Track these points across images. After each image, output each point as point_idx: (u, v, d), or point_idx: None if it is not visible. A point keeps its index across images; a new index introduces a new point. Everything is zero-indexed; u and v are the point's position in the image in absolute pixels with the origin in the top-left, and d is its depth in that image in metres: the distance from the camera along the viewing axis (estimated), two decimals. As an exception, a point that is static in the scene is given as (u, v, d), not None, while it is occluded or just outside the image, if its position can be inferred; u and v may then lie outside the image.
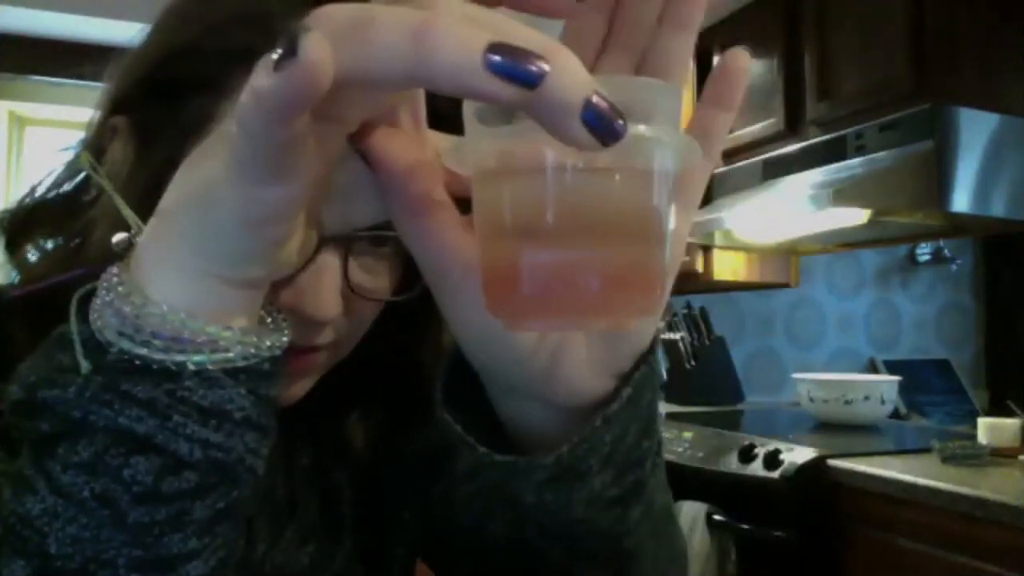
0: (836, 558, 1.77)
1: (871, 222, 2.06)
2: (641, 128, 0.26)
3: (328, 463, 0.56)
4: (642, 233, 0.28)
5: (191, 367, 0.28)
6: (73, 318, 0.29)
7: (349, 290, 0.43)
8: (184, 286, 0.29)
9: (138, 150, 0.46)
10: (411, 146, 0.31)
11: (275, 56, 0.23)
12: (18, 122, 3.32)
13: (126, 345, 0.28)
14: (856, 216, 2.03)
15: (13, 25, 2.76)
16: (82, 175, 0.50)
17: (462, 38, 0.22)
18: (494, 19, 0.23)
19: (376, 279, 0.46)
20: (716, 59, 2.38)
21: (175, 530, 0.29)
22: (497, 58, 0.22)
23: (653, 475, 0.39)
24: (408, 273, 0.47)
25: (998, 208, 1.98)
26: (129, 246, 0.31)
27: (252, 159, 0.26)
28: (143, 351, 0.28)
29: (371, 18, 0.23)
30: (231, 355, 0.29)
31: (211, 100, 0.44)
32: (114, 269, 0.30)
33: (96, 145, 0.48)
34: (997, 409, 2.57)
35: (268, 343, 0.31)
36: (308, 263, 0.41)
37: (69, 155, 0.51)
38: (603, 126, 0.23)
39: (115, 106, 0.48)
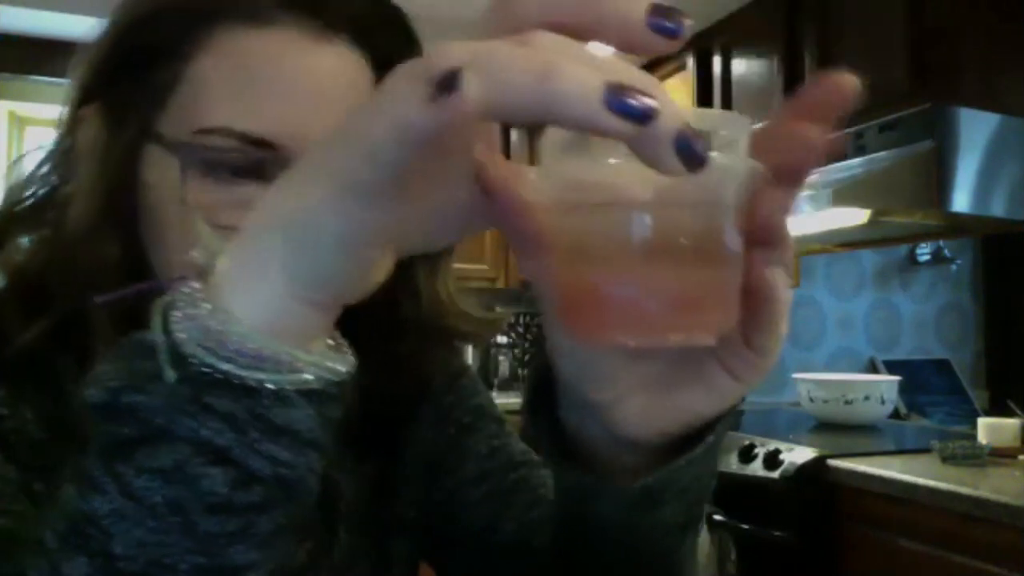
0: (836, 558, 1.77)
1: (871, 222, 2.06)
2: (713, 154, 0.27)
3: (330, 462, 0.57)
4: (713, 258, 0.30)
5: (270, 386, 0.29)
6: (158, 328, 0.30)
7: None
8: (269, 307, 0.30)
9: (109, 129, 0.47)
10: (521, 183, 0.32)
11: (429, 89, 0.24)
12: (18, 122, 3.32)
13: (210, 359, 0.29)
14: (856, 216, 2.03)
15: (13, 25, 2.76)
16: (52, 176, 0.51)
17: (583, 78, 0.24)
18: (605, 60, 0.25)
19: None
20: (716, 59, 2.35)
21: (240, 541, 0.30)
22: (615, 97, 0.24)
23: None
24: None
25: (998, 208, 1.98)
26: (208, 263, 0.31)
27: (372, 184, 0.27)
28: (227, 366, 0.29)
29: (499, 57, 0.25)
30: (307, 377, 0.30)
31: (175, 65, 0.45)
32: (195, 284, 0.30)
33: (69, 141, 0.49)
34: (997, 409, 2.57)
35: (340, 368, 0.32)
36: None
37: (41, 154, 0.52)
38: (692, 155, 0.25)
39: (82, 97, 0.49)
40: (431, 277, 0.57)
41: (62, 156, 0.51)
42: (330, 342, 0.33)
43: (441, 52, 0.25)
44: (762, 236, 0.32)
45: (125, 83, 0.47)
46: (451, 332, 0.59)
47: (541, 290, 0.34)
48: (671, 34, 0.27)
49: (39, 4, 2.61)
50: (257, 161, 0.45)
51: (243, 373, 0.29)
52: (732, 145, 0.29)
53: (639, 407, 0.36)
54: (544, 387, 0.41)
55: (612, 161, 0.29)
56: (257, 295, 0.30)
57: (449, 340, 0.60)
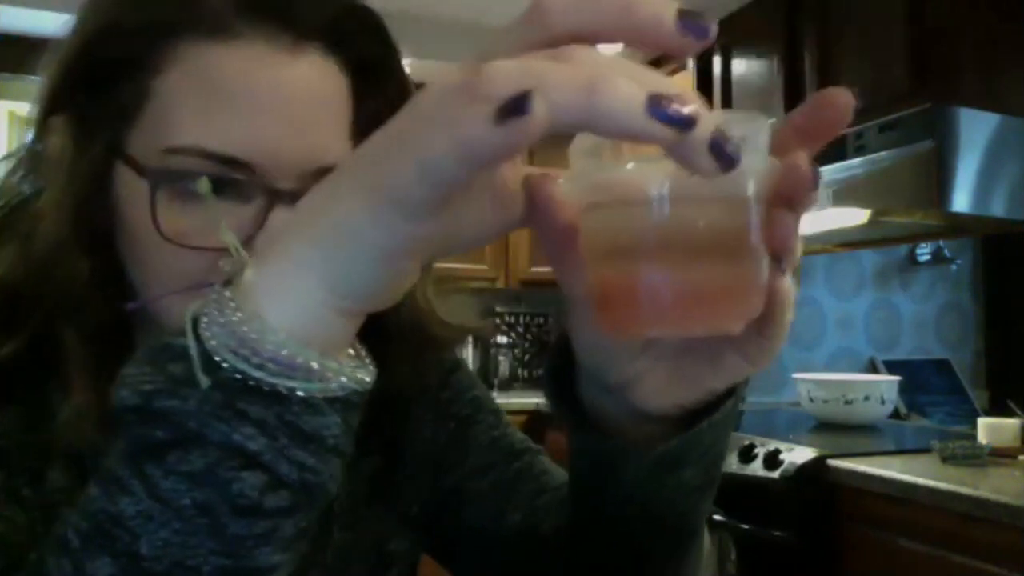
0: (836, 558, 1.77)
1: (871, 222, 2.06)
2: (752, 155, 0.30)
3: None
4: (737, 252, 0.32)
5: (300, 393, 0.30)
6: (190, 333, 0.30)
7: None
8: (301, 316, 0.30)
9: (77, 142, 0.46)
10: (554, 186, 0.34)
11: (494, 110, 0.25)
12: (18, 122, 3.32)
13: (242, 366, 0.30)
14: (856, 216, 2.03)
15: (13, 25, 2.76)
16: (24, 184, 0.50)
17: (628, 92, 0.26)
18: (642, 71, 0.27)
19: None
20: (716, 59, 2.36)
21: (266, 544, 0.31)
22: (658, 107, 0.26)
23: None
24: None
25: (998, 208, 1.98)
26: (238, 272, 0.32)
27: (423, 200, 0.28)
28: (259, 374, 0.30)
29: (554, 77, 0.26)
30: (334, 385, 0.31)
31: (141, 79, 0.45)
32: (226, 292, 0.31)
33: (39, 147, 0.49)
34: (997, 409, 2.57)
35: (365, 377, 0.33)
36: (260, 225, 0.45)
37: (12, 161, 0.52)
38: (725, 156, 0.27)
39: (49, 105, 0.48)
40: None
41: (33, 164, 0.50)
42: (352, 352, 0.34)
43: (499, 72, 0.26)
44: (774, 251, 0.34)
45: (92, 95, 0.47)
46: (430, 338, 0.59)
47: (569, 285, 0.36)
48: (702, 35, 0.28)
49: (39, 4, 2.61)
50: (229, 180, 0.45)
51: (275, 380, 0.30)
52: (752, 144, 0.31)
53: (657, 383, 0.39)
54: (564, 367, 0.43)
55: (633, 165, 0.31)
56: (290, 303, 0.31)
57: (428, 346, 0.60)
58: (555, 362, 0.44)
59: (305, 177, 0.46)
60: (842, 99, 0.33)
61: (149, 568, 0.30)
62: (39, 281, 0.47)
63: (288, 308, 0.30)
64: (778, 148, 0.33)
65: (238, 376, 0.30)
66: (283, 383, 0.30)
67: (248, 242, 0.43)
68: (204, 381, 0.30)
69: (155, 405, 0.30)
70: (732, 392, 0.41)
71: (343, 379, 0.32)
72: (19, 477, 0.47)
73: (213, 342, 0.30)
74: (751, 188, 0.32)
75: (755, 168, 0.32)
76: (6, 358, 0.46)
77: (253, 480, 0.30)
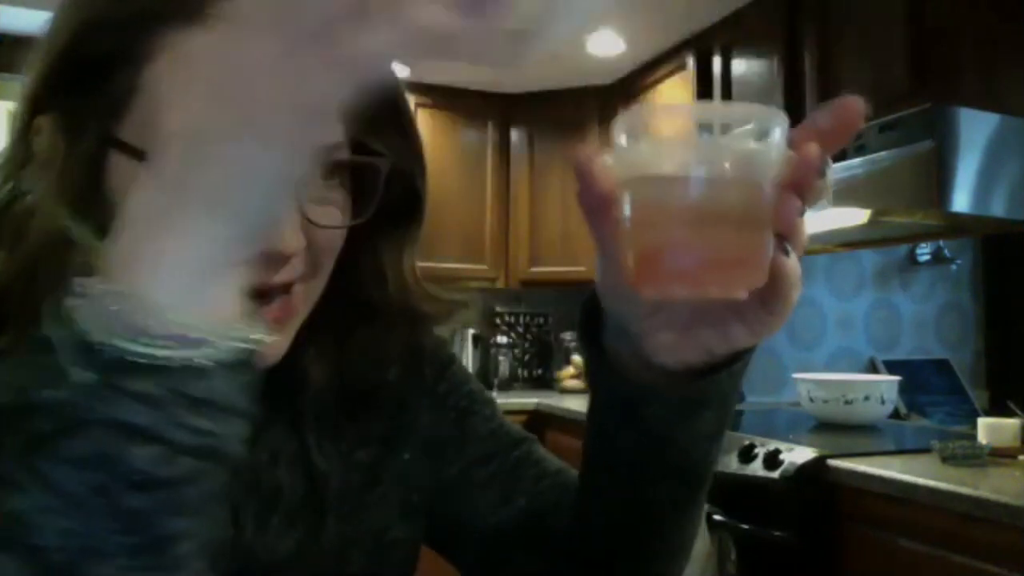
0: (836, 558, 1.77)
1: (871, 222, 2.05)
2: (756, 145, 0.36)
3: (312, 450, 0.58)
4: (748, 228, 0.37)
5: (184, 361, 0.30)
6: (59, 321, 0.30)
7: (307, 222, 0.48)
8: (178, 283, 0.30)
9: (67, 139, 0.47)
10: (598, 163, 0.39)
11: None
12: (18, 122, 3.31)
13: (119, 343, 0.30)
14: (856, 216, 2.03)
15: (13, 25, 2.76)
16: (6, 186, 0.50)
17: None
18: None
19: (328, 211, 0.51)
20: (716, 59, 2.35)
21: (169, 513, 0.31)
22: None
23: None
24: (357, 203, 0.53)
25: (998, 208, 1.98)
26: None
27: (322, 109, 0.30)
28: (138, 347, 0.30)
29: None
30: (220, 348, 0.31)
31: (130, 72, 0.45)
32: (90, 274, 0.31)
33: (23, 150, 0.49)
34: (997, 409, 2.57)
35: (251, 336, 0.33)
36: None
37: None
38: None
39: (35, 104, 0.48)
40: (396, 260, 0.59)
41: (15, 166, 0.50)
42: (238, 311, 0.34)
43: None
44: (780, 231, 0.39)
45: (79, 92, 0.47)
46: (418, 314, 0.61)
47: (602, 245, 0.42)
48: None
49: (39, 4, 2.61)
50: None
51: (156, 352, 0.30)
52: (767, 134, 0.37)
53: (668, 341, 0.45)
54: (593, 319, 0.49)
55: (664, 146, 0.37)
56: (166, 274, 0.30)
57: (416, 322, 0.62)
58: (586, 312, 0.50)
59: None
60: (859, 105, 0.39)
61: (56, 559, 0.30)
62: (31, 277, 0.47)
63: (164, 277, 0.30)
64: (796, 144, 0.37)
65: (115, 354, 0.30)
66: (166, 353, 0.30)
67: None
68: (77, 368, 0.30)
69: (32, 399, 0.30)
70: (744, 353, 0.46)
71: (230, 341, 0.32)
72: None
73: (86, 325, 0.30)
74: (765, 173, 0.37)
75: (771, 156, 0.37)
76: None
77: (144, 453, 0.30)
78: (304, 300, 0.52)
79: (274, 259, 0.47)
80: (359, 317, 0.59)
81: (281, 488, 0.56)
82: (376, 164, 0.53)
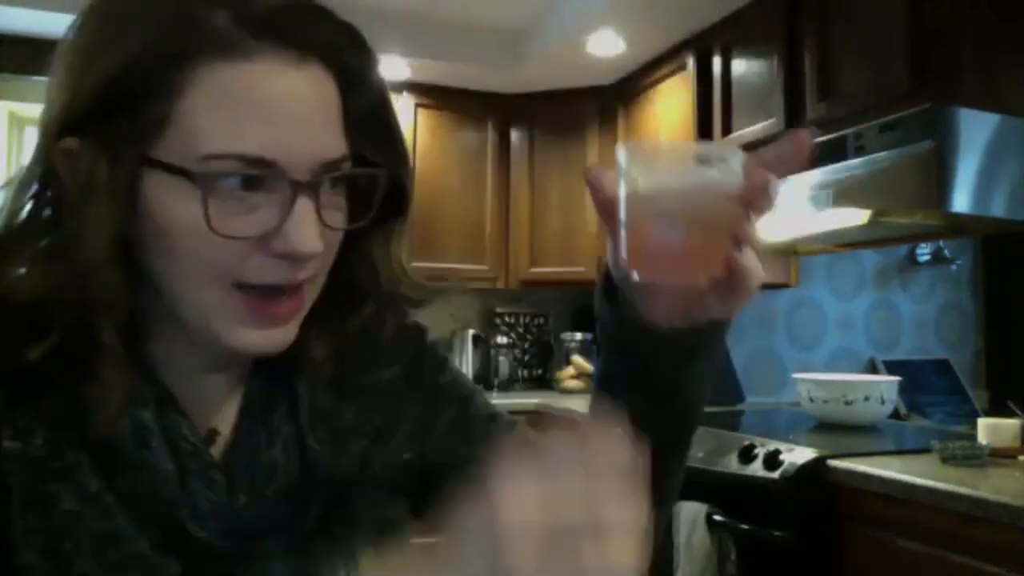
0: (836, 558, 1.77)
1: (871, 222, 2.05)
2: (715, 172, 0.49)
3: (307, 434, 0.63)
4: (711, 231, 0.50)
5: None
6: None
7: (323, 225, 0.55)
8: None
9: (109, 161, 0.51)
10: (607, 179, 0.54)
11: None
12: (18, 122, 3.32)
13: None
14: (856, 216, 2.03)
15: (13, 25, 2.76)
16: (40, 208, 0.55)
17: None
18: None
19: (335, 215, 0.57)
20: (716, 59, 2.35)
21: None
22: None
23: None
24: (354, 209, 0.59)
25: (998, 208, 1.98)
26: None
27: None
28: None
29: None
30: None
31: (165, 102, 0.51)
32: None
33: (45, 169, 0.53)
34: (997, 409, 2.57)
35: None
36: (289, 212, 0.53)
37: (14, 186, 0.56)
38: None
39: (60, 130, 0.52)
40: (385, 248, 0.64)
41: (42, 187, 0.54)
42: None
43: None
44: (736, 235, 0.51)
45: (117, 122, 0.51)
46: (405, 299, 0.67)
47: (611, 235, 0.55)
48: None
49: (39, 4, 2.61)
50: (257, 177, 0.52)
51: None
52: (726, 163, 0.49)
53: (662, 309, 0.57)
54: (609, 282, 0.61)
55: (646, 169, 0.50)
56: None
57: (403, 307, 0.68)
58: (602, 283, 0.61)
59: (316, 170, 0.54)
60: (805, 140, 0.52)
61: None
62: (80, 295, 0.51)
63: None
64: (748, 171, 0.50)
65: None
66: None
67: (279, 227, 0.53)
68: None
69: None
70: (721, 321, 0.58)
71: None
72: (48, 476, 0.53)
73: None
74: (722, 193, 0.49)
75: (729, 180, 0.49)
76: (37, 360, 0.51)
77: None
78: (310, 294, 0.58)
79: (301, 260, 0.54)
80: (353, 305, 0.65)
81: (276, 465, 0.61)
82: (376, 175, 0.59)
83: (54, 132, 0.52)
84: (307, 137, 0.53)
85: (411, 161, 0.64)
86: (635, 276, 0.52)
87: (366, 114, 0.59)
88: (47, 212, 0.54)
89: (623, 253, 0.52)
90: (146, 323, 0.58)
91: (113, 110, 0.51)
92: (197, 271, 0.53)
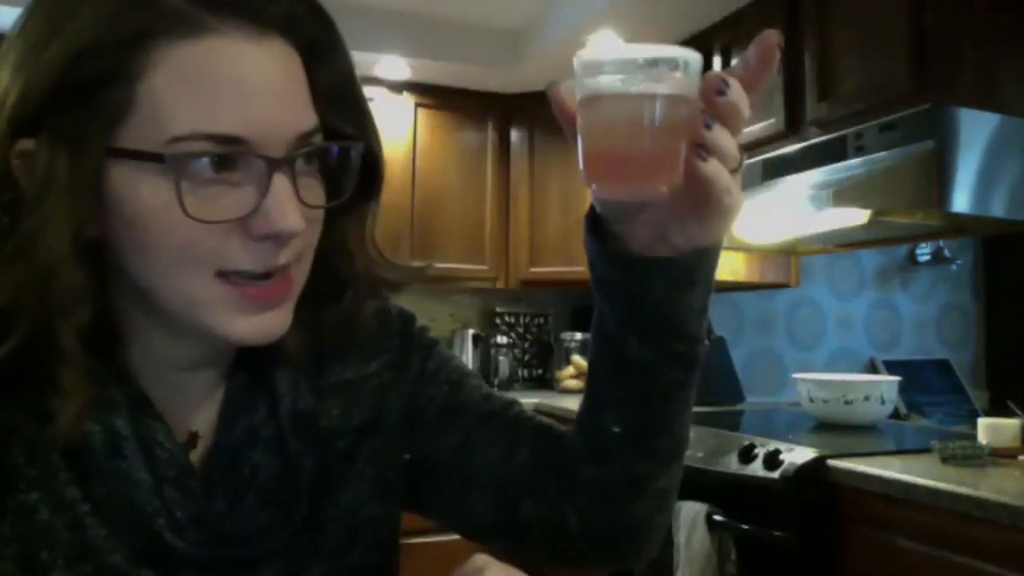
0: (836, 558, 1.77)
1: (871, 222, 2.05)
2: (677, 75, 0.48)
3: (288, 434, 0.61)
4: (666, 136, 0.48)
5: None
6: None
7: (301, 203, 0.52)
8: None
9: (70, 155, 0.48)
10: (565, 90, 0.52)
11: None
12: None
13: None
14: (856, 216, 2.02)
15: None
16: None
17: None
18: None
19: (313, 192, 0.55)
20: (716, 59, 2.34)
21: None
22: None
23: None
24: (328, 188, 0.57)
25: (998, 208, 1.98)
26: None
27: None
28: None
29: None
30: None
31: (123, 88, 0.48)
32: None
33: (1, 174, 0.50)
34: (997, 409, 2.57)
35: None
36: (266, 190, 0.50)
37: None
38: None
39: (19, 129, 0.49)
40: (359, 233, 0.63)
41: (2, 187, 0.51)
42: None
43: None
44: (696, 141, 0.49)
45: (75, 113, 0.48)
46: (383, 282, 0.65)
47: (569, 131, 0.52)
48: None
49: (39, 4, 2.60)
50: (230, 156, 0.50)
51: None
52: (681, 66, 0.48)
53: (644, 238, 0.56)
54: (595, 216, 0.58)
55: (603, 76, 0.48)
56: None
57: (381, 289, 0.66)
58: (590, 216, 0.59)
59: (291, 144, 0.52)
60: (773, 37, 0.50)
61: None
62: (39, 295, 0.49)
63: None
64: (706, 75, 0.49)
65: None
66: None
67: (258, 207, 0.50)
68: None
69: None
70: (707, 248, 0.56)
71: None
72: (24, 485, 0.52)
73: None
74: (680, 96, 0.48)
75: (684, 83, 0.48)
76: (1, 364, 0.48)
77: None
78: (298, 276, 0.56)
79: (283, 240, 0.52)
80: (330, 291, 0.63)
81: (257, 468, 0.59)
82: (351, 146, 0.57)
83: (7, 134, 0.49)
84: (278, 110, 0.51)
85: (380, 134, 0.62)
86: (594, 189, 0.51)
87: (332, 86, 0.57)
88: (6, 220, 0.50)
89: (581, 166, 0.49)
90: (120, 324, 0.56)
91: (69, 101, 0.48)
92: (176, 262, 0.50)
